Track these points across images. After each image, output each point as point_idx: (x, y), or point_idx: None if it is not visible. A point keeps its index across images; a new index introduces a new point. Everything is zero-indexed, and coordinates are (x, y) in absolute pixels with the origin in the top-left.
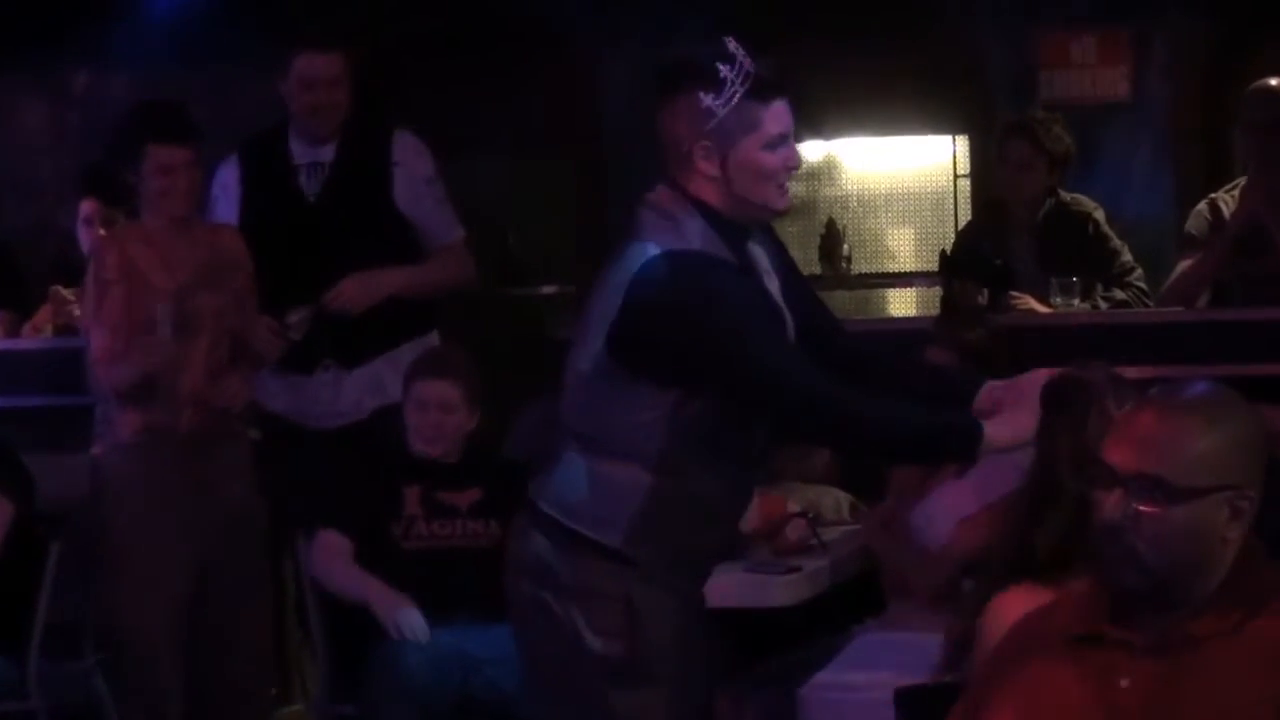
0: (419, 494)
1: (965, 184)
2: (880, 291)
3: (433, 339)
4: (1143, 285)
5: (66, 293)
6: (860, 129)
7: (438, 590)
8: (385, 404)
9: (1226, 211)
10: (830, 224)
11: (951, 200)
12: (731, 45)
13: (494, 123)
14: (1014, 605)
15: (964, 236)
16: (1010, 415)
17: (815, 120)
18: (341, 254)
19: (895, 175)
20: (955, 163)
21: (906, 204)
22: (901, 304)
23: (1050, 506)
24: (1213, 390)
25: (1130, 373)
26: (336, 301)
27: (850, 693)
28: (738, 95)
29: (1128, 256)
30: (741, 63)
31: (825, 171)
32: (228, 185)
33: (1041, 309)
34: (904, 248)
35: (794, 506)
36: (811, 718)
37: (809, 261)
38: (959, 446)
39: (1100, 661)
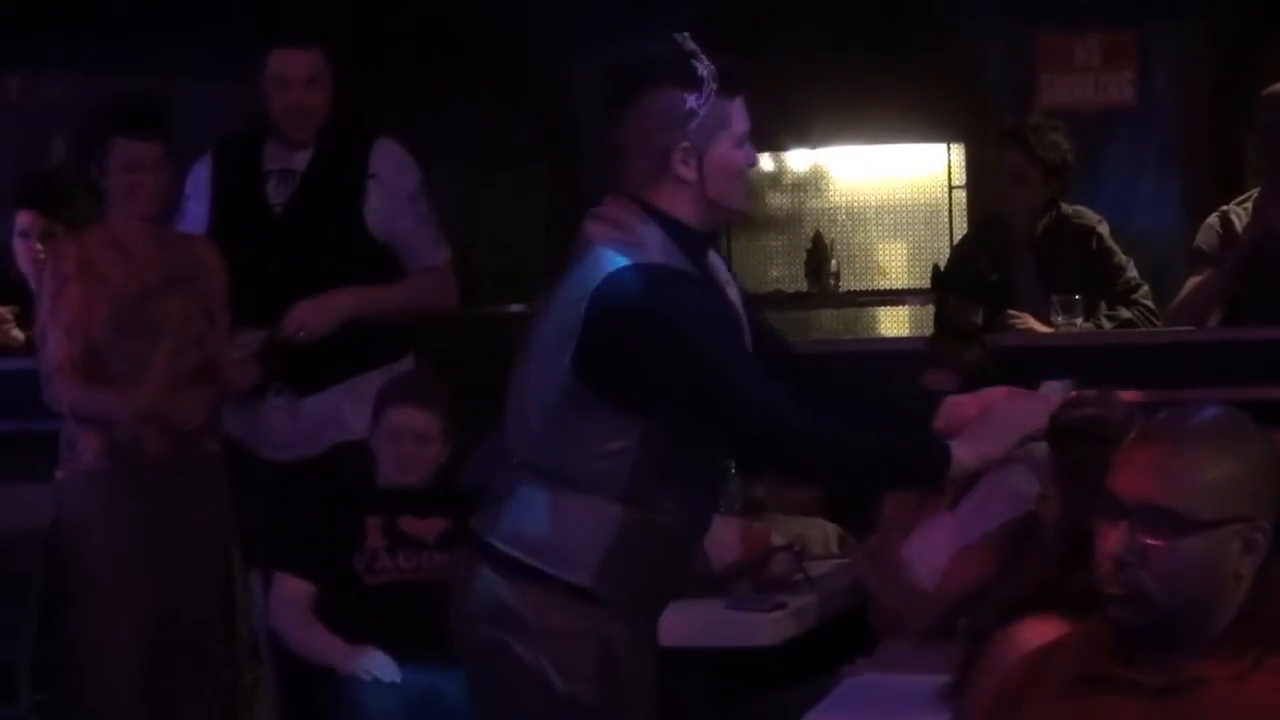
0: (381, 524)
1: (961, 195)
2: (870, 310)
3: (405, 366)
4: (1149, 303)
5: (3, 310)
6: (849, 137)
7: (405, 627)
8: (345, 439)
9: (1238, 224)
10: (817, 238)
11: (946, 213)
12: (691, 42)
13: (463, 130)
14: (1030, 639)
15: (959, 251)
16: (976, 434)
17: (801, 128)
18: (305, 271)
19: (886, 186)
20: (950, 173)
21: (898, 217)
22: (893, 323)
23: (1064, 542)
24: (1224, 415)
25: (1136, 396)
26: (289, 328)
27: None
28: (713, 92)
29: (1133, 272)
30: (707, 59)
31: (811, 182)
32: (199, 185)
33: (1042, 328)
34: (896, 263)
35: (779, 539)
36: None
37: (794, 278)
38: (928, 470)
39: (1105, 704)
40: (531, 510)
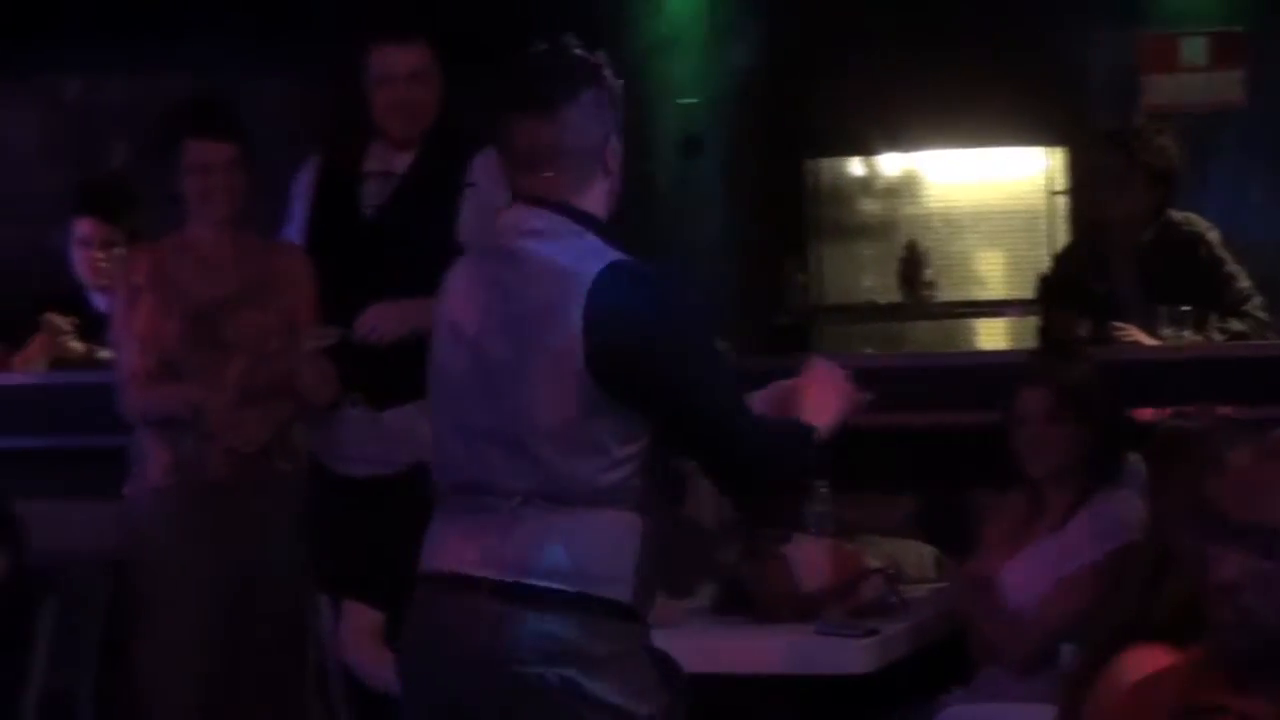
0: None
1: (1062, 201)
2: (967, 322)
3: None
4: (1264, 314)
5: (61, 321)
6: (944, 140)
7: None
8: (423, 459)
9: None
10: (911, 246)
11: (1046, 219)
12: (573, 39)
13: None
14: (1137, 667)
15: (1063, 260)
16: (813, 403)
17: (894, 131)
18: (389, 276)
19: (984, 191)
20: (1051, 177)
21: (996, 224)
22: (991, 336)
23: (1169, 566)
24: None
25: (1247, 414)
26: (361, 329)
27: None
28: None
29: (1245, 282)
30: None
31: (905, 188)
32: (302, 187)
33: (1149, 341)
34: (994, 272)
35: (872, 562)
36: None
37: (888, 288)
38: (816, 454)
39: None
40: (557, 539)
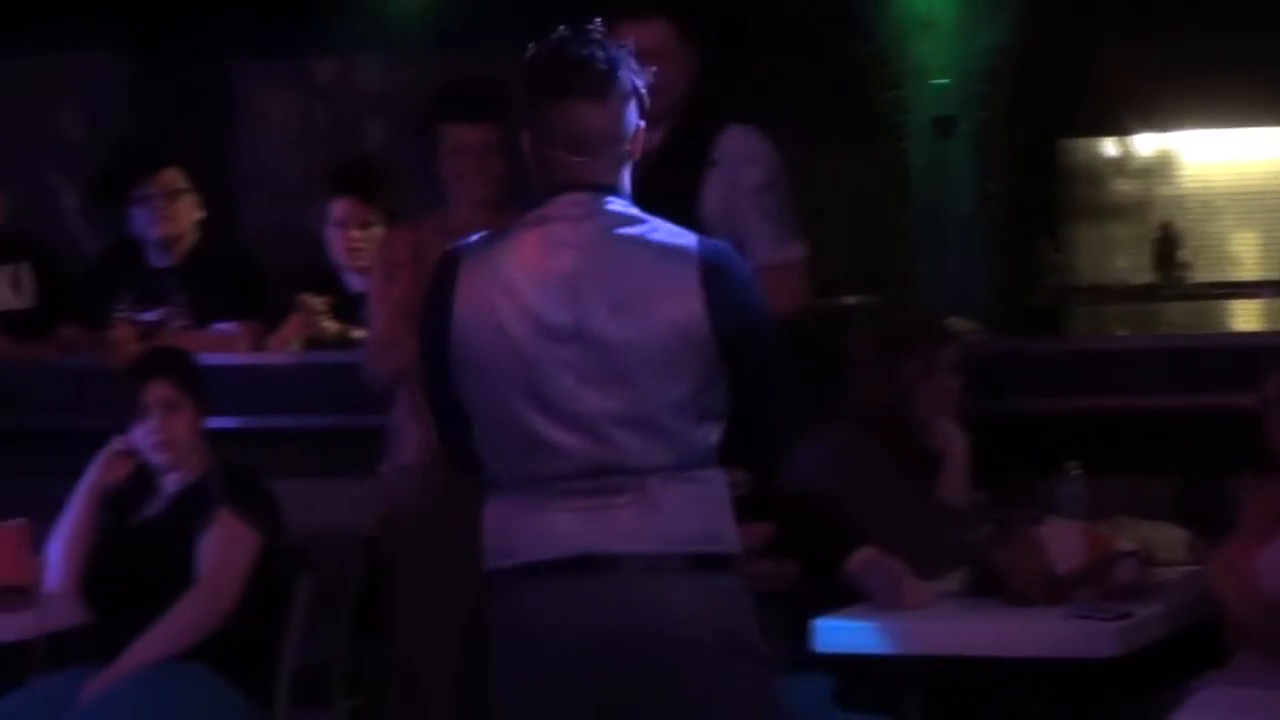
0: None
1: None
2: (1222, 303)
3: None
4: None
5: (316, 301)
6: (1199, 120)
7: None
8: None
9: None
10: (1166, 227)
11: None
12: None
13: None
14: None
15: None
16: None
17: (1147, 110)
18: None
19: (1240, 171)
20: None
21: (1252, 204)
22: (1246, 317)
23: None
24: None
25: None
26: None
27: None
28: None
29: None
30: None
31: (1159, 168)
32: None
33: None
34: (1249, 253)
35: (1124, 544)
36: None
37: (1141, 269)
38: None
39: None
40: (693, 505)
